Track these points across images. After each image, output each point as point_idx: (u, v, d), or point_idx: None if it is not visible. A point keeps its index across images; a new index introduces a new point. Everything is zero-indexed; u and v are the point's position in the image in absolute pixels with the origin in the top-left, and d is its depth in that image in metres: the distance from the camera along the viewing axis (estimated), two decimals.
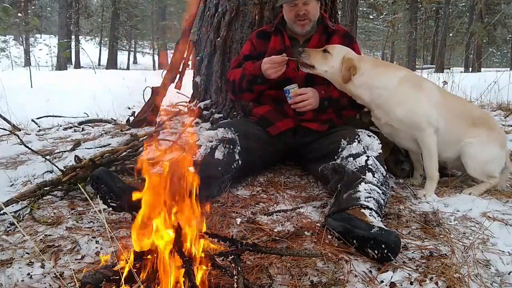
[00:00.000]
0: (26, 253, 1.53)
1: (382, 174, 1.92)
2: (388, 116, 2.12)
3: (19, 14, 15.44)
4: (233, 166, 2.06)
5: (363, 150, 1.99)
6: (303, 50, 2.12)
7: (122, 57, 26.37)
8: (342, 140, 2.07)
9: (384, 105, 2.11)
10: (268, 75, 2.16)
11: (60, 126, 3.75)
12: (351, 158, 1.96)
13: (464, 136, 2.15)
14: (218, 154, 2.04)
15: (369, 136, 2.07)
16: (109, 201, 1.74)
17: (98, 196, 1.74)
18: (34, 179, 2.30)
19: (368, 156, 1.95)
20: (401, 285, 1.37)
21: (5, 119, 3.77)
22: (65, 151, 2.71)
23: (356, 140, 2.03)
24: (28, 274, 1.40)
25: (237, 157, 2.07)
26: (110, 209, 1.76)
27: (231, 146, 2.07)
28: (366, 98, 2.14)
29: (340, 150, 2.05)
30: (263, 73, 2.17)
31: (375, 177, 1.87)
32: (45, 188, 2.02)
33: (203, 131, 2.17)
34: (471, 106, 2.40)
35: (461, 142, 2.16)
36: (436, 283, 1.36)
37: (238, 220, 1.78)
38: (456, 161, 2.23)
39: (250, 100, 2.53)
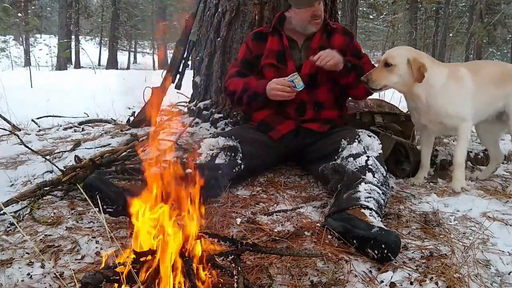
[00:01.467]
0: (26, 253, 1.53)
1: (382, 174, 1.92)
2: (439, 115, 2.15)
3: (19, 14, 15.42)
4: (234, 170, 2.06)
5: (363, 150, 1.99)
6: (366, 79, 2.06)
7: (122, 57, 26.35)
8: (343, 140, 2.07)
9: (436, 105, 2.12)
10: (271, 96, 2.15)
11: (60, 126, 3.74)
12: (351, 158, 1.96)
13: (497, 96, 2.26)
14: (219, 161, 2.04)
15: (370, 136, 2.07)
16: (105, 207, 1.73)
17: (93, 203, 1.72)
18: (34, 179, 2.29)
19: (368, 156, 1.95)
20: (401, 285, 1.37)
21: (5, 119, 3.77)
22: (65, 151, 2.71)
23: (356, 140, 2.03)
24: (28, 274, 1.40)
25: (239, 161, 2.08)
26: (107, 215, 1.76)
27: (233, 154, 2.07)
28: (423, 99, 2.13)
29: (340, 150, 2.04)
30: (267, 92, 2.16)
31: (375, 177, 1.86)
32: (45, 188, 2.01)
33: (204, 140, 2.16)
34: (492, 66, 2.42)
35: (498, 100, 2.27)
36: (436, 283, 1.36)
37: (238, 220, 1.78)
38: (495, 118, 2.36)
39: (245, 111, 2.58)
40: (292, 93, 2.12)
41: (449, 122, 2.17)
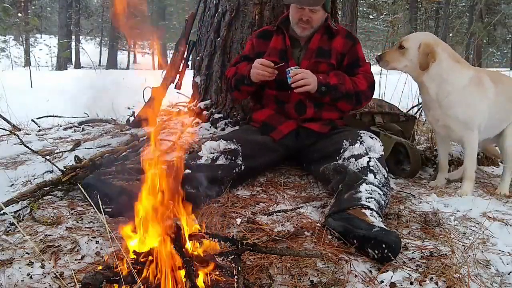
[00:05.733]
0: (26, 253, 1.53)
1: (384, 175, 1.92)
2: (447, 117, 2.09)
3: (19, 14, 15.41)
4: (235, 170, 2.06)
5: (365, 151, 1.99)
6: (379, 58, 2.12)
7: (122, 57, 26.33)
8: (344, 141, 2.07)
9: (447, 105, 2.07)
10: (253, 75, 2.16)
11: (60, 126, 3.74)
12: (353, 159, 1.96)
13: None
14: (220, 163, 2.05)
15: (371, 137, 2.07)
16: (103, 207, 1.73)
17: (92, 203, 1.72)
18: (34, 179, 2.29)
19: (370, 158, 1.95)
20: (401, 285, 1.37)
21: (5, 119, 3.77)
22: (65, 151, 2.71)
23: (358, 141, 2.03)
24: (28, 274, 1.40)
25: (239, 163, 2.09)
26: (106, 215, 1.76)
27: (233, 157, 2.08)
28: (432, 94, 2.08)
29: (342, 151, 2.05)
30: (251, 73, 2.18)
31: (376, 178, 1.87)
32: (45, 188, 2.02)
33: (205, 142, 2.16)
34: None
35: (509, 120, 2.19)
36: (436, 283, 1.36)
37: (238, 220, 1.78)
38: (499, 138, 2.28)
39: (242, 98, 2.60)
40: (272, 74, 2.13)
41: (455, 127, 2.11)
